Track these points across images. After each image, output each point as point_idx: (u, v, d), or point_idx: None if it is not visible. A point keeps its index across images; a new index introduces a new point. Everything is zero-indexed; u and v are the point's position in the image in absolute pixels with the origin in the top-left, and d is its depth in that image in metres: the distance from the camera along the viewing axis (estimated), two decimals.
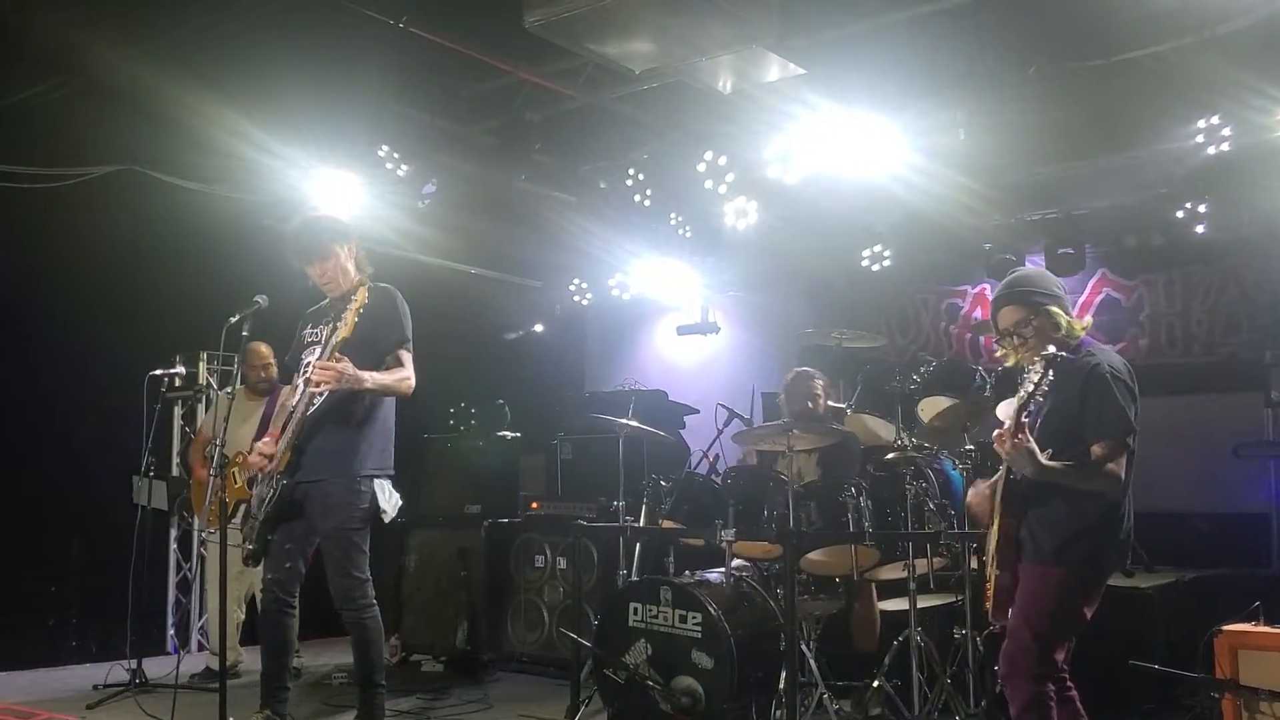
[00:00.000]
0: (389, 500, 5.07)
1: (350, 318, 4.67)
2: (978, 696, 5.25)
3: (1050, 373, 3.68)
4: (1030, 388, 3.69)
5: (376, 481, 4.96)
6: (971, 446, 5.61)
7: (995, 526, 3.91)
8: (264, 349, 6.66)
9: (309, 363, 4.94)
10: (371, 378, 4.79)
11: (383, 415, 5.02)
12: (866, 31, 5.63)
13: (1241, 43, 5.53)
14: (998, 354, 4.11)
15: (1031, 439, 3.69)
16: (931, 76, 6.06)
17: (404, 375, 4.91)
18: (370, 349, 4.89)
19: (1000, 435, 3.75)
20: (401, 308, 5.01)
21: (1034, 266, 4.18)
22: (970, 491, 4.35)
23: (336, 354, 4.70)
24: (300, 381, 4.98)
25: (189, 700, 5.22)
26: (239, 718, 4.83)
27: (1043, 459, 3.69)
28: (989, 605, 3.97)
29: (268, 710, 4.96)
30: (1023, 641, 3.78)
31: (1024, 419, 3.69)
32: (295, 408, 4.87)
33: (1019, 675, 3.78)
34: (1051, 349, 3.73)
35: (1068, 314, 3.99)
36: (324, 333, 5.00)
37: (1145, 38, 5.61)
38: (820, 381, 6.35)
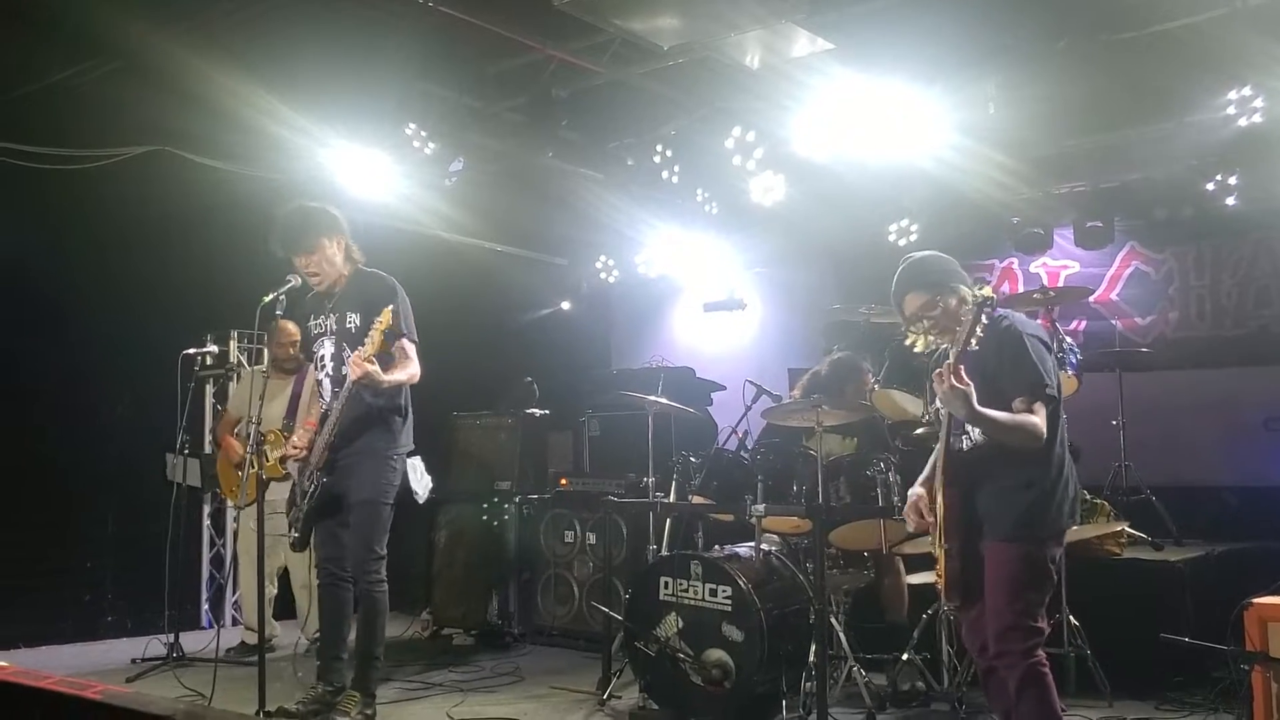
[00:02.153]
0: (420, 481, 5.20)
1: (377, 337, 4.76)
2: None
3: (984, 319, 3.66)
4: (965, 333, 3.66)
5: (408, 461, 5.08)
6: None
7: (940, 503, 3.90)
8: (291, 327, 6.72)
9: (322, 354, 5.12)
10: (389, 379, 4.93)
11: (405, 399, 5.19)
12: (896, 5, 5.60)
13: (1274, 13, 5.48)
14: (906, 341, 4.09)
15: (969, 382, 3.66)
16: (962, 50, 6.02)
17: (412, 371, 5.04)
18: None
19: (939, 374, 3.71)
20: (403, 300, 5.07)
21: (927, 251, 4.23)
22: (910, 493, 4.18)
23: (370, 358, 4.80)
24: (324, 378, 5.12)
25: (226, 674, 5.29)
26: (278, 691, 4.90)
27: (975, 404, 3.67)
28: (941, 586, 3.95)
29: (319, 686, 5.08)
30: (1007, 621, 3.78)
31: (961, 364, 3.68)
32: (330, 409, 5.01)
33: (1012, 654, 3.78)
34: (987, 290, 3.71)
35: (969, 288, 3.98)
36: (329, 324, 5.13)
37: (1177, 9, 5.56)
38: (870, 376, 6.32)
